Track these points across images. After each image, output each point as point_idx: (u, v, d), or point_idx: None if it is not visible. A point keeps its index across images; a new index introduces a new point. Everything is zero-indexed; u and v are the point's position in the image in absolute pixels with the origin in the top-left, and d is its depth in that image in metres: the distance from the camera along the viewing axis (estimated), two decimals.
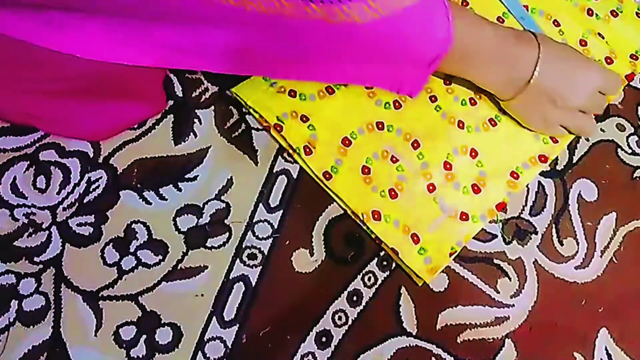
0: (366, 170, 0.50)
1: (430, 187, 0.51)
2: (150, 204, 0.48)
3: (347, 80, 0.50)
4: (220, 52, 0.43)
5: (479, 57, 0.49)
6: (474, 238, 0.51)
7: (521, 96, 0.50)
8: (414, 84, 0.49)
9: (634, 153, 0.57)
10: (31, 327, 0.43)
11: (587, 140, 0.56)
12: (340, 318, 0.47)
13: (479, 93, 0.55)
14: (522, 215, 0.53)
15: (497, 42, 0.48)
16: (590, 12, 0.61)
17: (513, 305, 0.50)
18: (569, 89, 0.50)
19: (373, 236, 0.49)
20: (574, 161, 0.56)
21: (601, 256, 0.53)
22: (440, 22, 0.43)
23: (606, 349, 0.50)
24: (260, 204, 0.49)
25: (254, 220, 0.49)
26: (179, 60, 0.44)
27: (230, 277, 0.47)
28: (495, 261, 0.51)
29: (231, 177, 0.50)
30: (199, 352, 0.45)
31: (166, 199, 0.48)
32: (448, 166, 0.52)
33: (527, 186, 0.54)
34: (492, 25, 0.49)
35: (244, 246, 0.48)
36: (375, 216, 0.49)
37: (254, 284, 0.47)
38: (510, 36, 0.49)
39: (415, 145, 0.52)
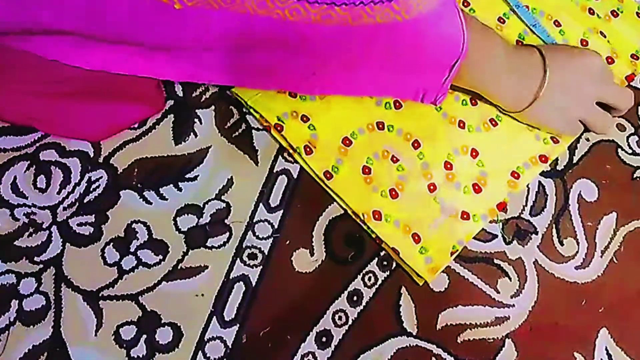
0: (367, 170, 0.50)
1: (431, 187, 0.51)
2: (151, 203, 0.48)
3: (368, 92, 0.50)
4: (243, 69, 0.44)
5: (491, 65, 0.49)
6: (474, 238, 0.51)
7: (538, 101, 0.50)
8: (437, 91, 0.49)
9: (634, 153, 0.57)
10: (31, 326, 0.43)
11: (588, 140, 0.56)
12: (340, 318, 0.47)
13: None
14: (522, 215, 0.53)
15: (505, 50, 0.50)
16: (592, 11, 0.61)
17: (513, 305, 0.50)
18: (578, 76, 0.51)
19: (374, 236, 0.49)
20: (575, 161, 0.56)
21: (601, 256, 0.53)
22: (457, 26, 0.44)
23: (606, 349, 0.50)
24: (261, 204, 0.49)
25: (254, 220, 0.49)
26: (202, 76, 0.45)
27: (231, 277, 0.47)
28: (496, 261, 0.51)
29: (231, 177, 0.50)
30: (199, 352, 0.45)
31: (166, 199, 0.48)
32: (449, 166, 0.52)
33: (527, 186, 0.54)
34: (497, 33, 0.50)
35: (244, 246, 0.48)
36: (376, 216, 0.49)
37: (254, 283, 0.47)
38: (511, 45, 0.51)
39: (416, 145, 0.52)
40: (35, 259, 0.45)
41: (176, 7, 0.36)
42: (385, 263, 0.49)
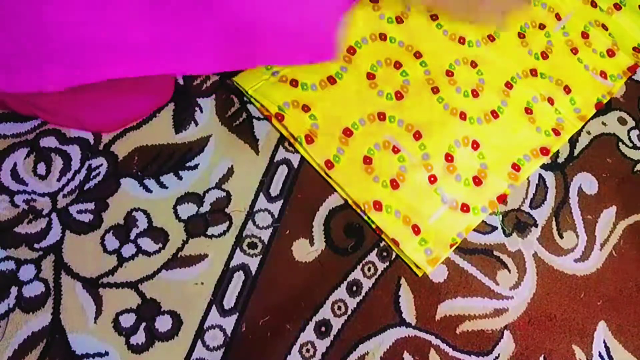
0: (368, 160, 0.50)
1: (432, 179, 0.51)
2: (151, 191, 0.48)
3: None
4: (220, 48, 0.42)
5: None
6: (474, 230, 0.51)
7: None
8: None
9: (635, 147, 0.57)
10: (31, 313, 0.43)
11: (589, 133, 0.56)
12: (339, 308, 0.47)
13: (482, 85, 0.54)
14: (522, 208, 0.53)
15: None
16: (594, 4, 0.60)
17: (512, 297, 0.50)
18: None
19: (373, 226, 0.49)
20: (575, 154, 0.56)
21: (600, 249, 0.53)
22: None
23: (604, 342, 0.50)
24: (261, 193, 0.49)
25: (254, 210, 0.49)
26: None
27: (231, 266, 0.47)
28: (495, 253, 0.51)
29: (232, 166, 0.49)
30: (199, 340, 0.45)
31: (167, 187, 0.48)
32: (449, 158, 0.52)
33: (527, 179, 0.54)
34: None
35: (244, 235, 0.48)
36: (377, 206, 0.49)
37: (254, 272, 0.47)
38: None
39: (417, 136, 0.52)
40: (35, 245, 0.45)
41: None
42: (385, 254, 0.49)
